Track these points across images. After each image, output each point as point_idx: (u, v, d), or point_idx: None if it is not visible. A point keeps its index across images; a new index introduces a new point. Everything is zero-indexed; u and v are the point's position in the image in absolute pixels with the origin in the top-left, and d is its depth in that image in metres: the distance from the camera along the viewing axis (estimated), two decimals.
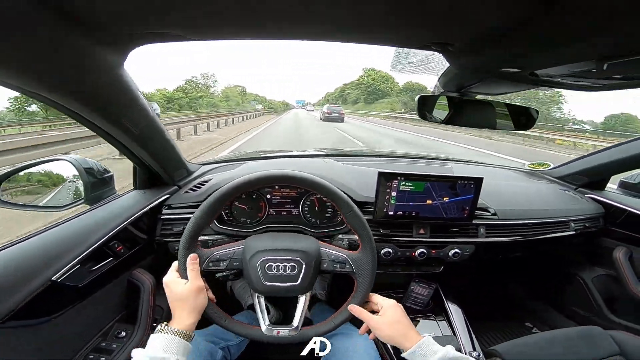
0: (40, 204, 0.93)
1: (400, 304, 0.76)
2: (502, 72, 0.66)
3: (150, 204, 0.99)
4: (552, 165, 1.68)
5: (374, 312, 0.76)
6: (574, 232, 1.27)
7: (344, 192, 0.82)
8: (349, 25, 0.55)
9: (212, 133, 12.53)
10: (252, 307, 1.28)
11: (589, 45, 0.48)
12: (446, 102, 0.93)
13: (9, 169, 0.87)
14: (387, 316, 0.73)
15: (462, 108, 0.94)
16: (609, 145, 1.42)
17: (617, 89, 0.73)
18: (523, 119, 0.96)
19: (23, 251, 0.71)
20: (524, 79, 0.71)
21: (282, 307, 1.24)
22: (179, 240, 0.75)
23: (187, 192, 1.10)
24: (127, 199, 1.00)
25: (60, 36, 0.48)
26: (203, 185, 1.12)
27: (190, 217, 0.77)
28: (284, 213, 1.12)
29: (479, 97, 0.93)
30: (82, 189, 0.93)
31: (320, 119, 23.48)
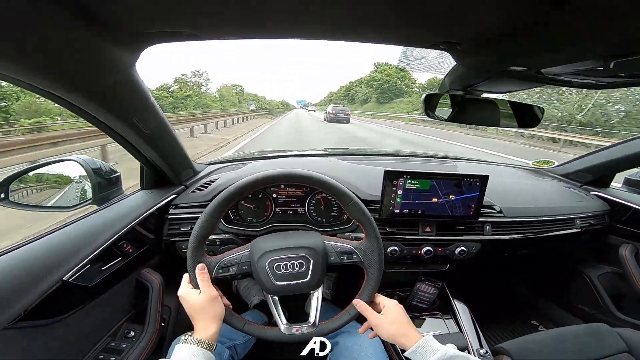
0: (49, 205, 0.93)
1: (401, 305, 0.77)
2: (509, 71, 0.67)
3: (157, 203, 1.00)
4: (556, 163, 1.68)
5: (376, 311, 0.77)
6: (579, 230, 1.27)
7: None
8: (363, 24, 0.55)
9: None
10: (257, 307, 1.29)
11: (596, 44, 0.49)
12: (452, 100, 0.93)
13: (18, 170, 0.88)
14: (388, 315, 0.74)
15: (467, 106, 0.94)
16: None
17: (623, 86, 0.73)
18: (527, 116, 0.96)
19: (33, 252, 0.71)
20: (531, 77, 0.71)
21: (285, 306, 1.24)
22: (187, 240, 0.75)
23: (193, 191, 1.10)
24: (134, 199, 1.01)
25: (76, 35, 0.49)
26: (209, 184, 1.12)
27: (197, 217, 0.77)
28: (290, 212, 1.13)
29: (484, 95, 0.93)
30: (89, 189, 0.94)
31: (325, 119, 22.55)
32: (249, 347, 1.06)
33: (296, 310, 0.80)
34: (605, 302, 1.41)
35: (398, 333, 0.70)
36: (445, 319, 1.20)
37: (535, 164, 1.75)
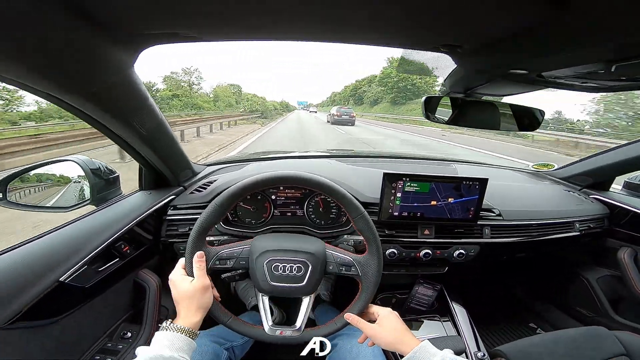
0: (47, 205, 0.93)
1: (395, 312, 0.76)
2: (510, 74, 0.67)
3: (155, 204, 1.00)
4: (556, 166, 1.68)
5: (371, 321, 0.77)
6: (578, 233, 1.27)
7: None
8: (364, 27, 0.55)
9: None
10: (255, 308, 1.29)
11: (597, 48, 0.48)
12: (452, 102, 0.93)
13: (16, 170, 0.88)
14: (383, 324, 0.73)
15: (467, 109, 0.94)
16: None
17: (624, 90, 0.73)
18: (527, 119, 0.96)
19: (31, 252, 0.71)
20: (531, 80, 0.71)
21: (286, 308, 1.24)
22: (185, 241, 0.75)
23: (192, 192, 1.10)
24: (132, 199, 1.01)
25: (76, 35, 0.48)
26: (208, 186, 1.12)
27: (195, 218, 0.77)
28: (289, 214, 1.12)
29: (485, 98, 0.93)
30: (88, 189, 0.94)
31: (328, 121, 21.77)
32: (246, 349, 1.06)
33: (296, 314, 0.80)
34: (603, 305, 1.41)
35: (395, 341, 0.70)
36: (444, 321, 1.20)
37: (535, 166, 1.75)
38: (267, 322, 0.77)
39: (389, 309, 0.77)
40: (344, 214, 1.09)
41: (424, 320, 1.21)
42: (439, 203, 1.05)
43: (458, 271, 1.20)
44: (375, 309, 0.78)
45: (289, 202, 1.12)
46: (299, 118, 31.93)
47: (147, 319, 0.92)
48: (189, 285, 0.69)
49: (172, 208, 1.05)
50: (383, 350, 0.91)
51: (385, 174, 1.01)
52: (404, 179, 1.02)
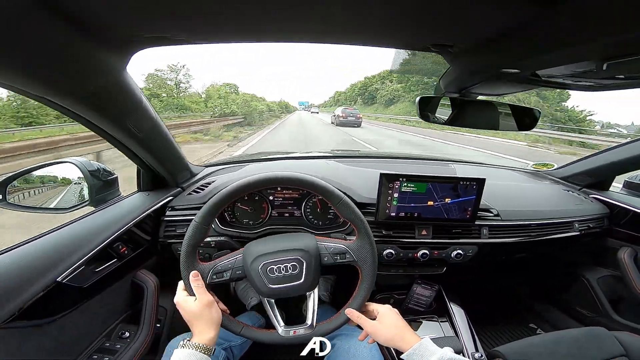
0: (46, 206, 0.94)
1: (395, 309, 0.76)
2: (503, 73, 0.67)
3: (153, 205, 1.00)
4: (556, 166, 1.67)
5: (371, 319, 0.77)
6: (578, 233, 1.26)
7: (346, 193, 0.82)
8: (353, 27, 0.55)
9: None
10: (255, 308, 1.29)
11: (586, 46, 0.48)
12: (448, 103, 0.93)
13: (16, 172, 0.89)
14: (384, 321, 0.74)
15: (464, 109, 0.94)
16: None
17: (619, 88, 0.73)
18: (526, 119, 0.96)
19: (29, 252, 0.72)
20: (525, 79, 0.71)
21: (284, 307, 1.24)
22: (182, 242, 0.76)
23: (190, 194, 1.10)
24: (131, 200, 1.01)
25: (64, 39, 0.49)
26: (206, 186, 1.13)
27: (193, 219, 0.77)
28: (287, 215, 1.13)
29: (480, 97, 0.93)
30: (87, 191, 0.95)
31: (332, 122, 20.40)
32: (245, 349, 1.06)
33: (295, 311, 0.80)
34: (603, 306, 1.40)
35: (395, 337, 0.70)
36: (441, 322, 1.20)
37: (534, 166, 1.74)
38: (278, 325, 0.77)
39: (388, 306, 0.77)
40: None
41: (422, 321, 1.20)
42: (436, 203, 1.05)
43: (456, 271, 1.19)
44: (375, 307, 0.78)
45: (286, 203, 1.12)
46: (300, 119, 29.79)
47: (145, 319, 0.93)
48: (193, 304, 0.70)
49: (170, 209, 1.06)
50: (381, 350, 0.91)
51: (382, 174, 1.01)
52: (400, 179, 1.02)
